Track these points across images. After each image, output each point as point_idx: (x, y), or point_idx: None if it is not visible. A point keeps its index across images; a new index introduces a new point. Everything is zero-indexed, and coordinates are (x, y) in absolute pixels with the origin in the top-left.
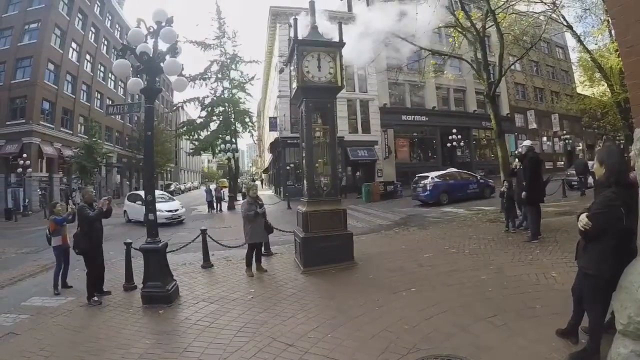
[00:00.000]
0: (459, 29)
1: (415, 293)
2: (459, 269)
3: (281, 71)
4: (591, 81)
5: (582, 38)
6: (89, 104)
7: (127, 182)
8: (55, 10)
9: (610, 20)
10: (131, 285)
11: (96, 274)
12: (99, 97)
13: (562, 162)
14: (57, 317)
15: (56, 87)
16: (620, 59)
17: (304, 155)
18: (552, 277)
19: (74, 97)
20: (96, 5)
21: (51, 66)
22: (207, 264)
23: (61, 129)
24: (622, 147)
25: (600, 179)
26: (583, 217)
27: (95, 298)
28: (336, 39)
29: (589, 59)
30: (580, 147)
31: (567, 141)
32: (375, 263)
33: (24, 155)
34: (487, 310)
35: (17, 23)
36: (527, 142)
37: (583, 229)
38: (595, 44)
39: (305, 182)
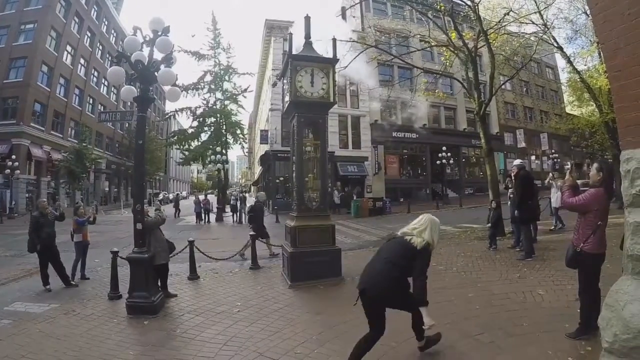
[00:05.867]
0: (451, 49)
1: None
2: (447, 286)
3: (274, 85)
4: (580, 101)
5: (572, 59)
6: (80, 108)
7: (115, 189)
8: (52, 12)
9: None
10: (116, 294)
11: (60, 267)
12: (91, 102)
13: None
14: (40, 323)
15: (49, 90)
16: (608, 80)
17: (294, 169)
18: (539, 295)
19: (66, 100)
20: (93, 10)
21: (45, 68)
22: (193, 275)
23: (51, 132)
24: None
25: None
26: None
27: (73, 282)
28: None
29: (578, 80)
30: (568, 166)
31: (555, 160)
32: None
33: (13, 156)
34: (475, 328)
35: (13, 22)
36: (518, 161)
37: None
38: (585, 65)
39: (294, 196)
